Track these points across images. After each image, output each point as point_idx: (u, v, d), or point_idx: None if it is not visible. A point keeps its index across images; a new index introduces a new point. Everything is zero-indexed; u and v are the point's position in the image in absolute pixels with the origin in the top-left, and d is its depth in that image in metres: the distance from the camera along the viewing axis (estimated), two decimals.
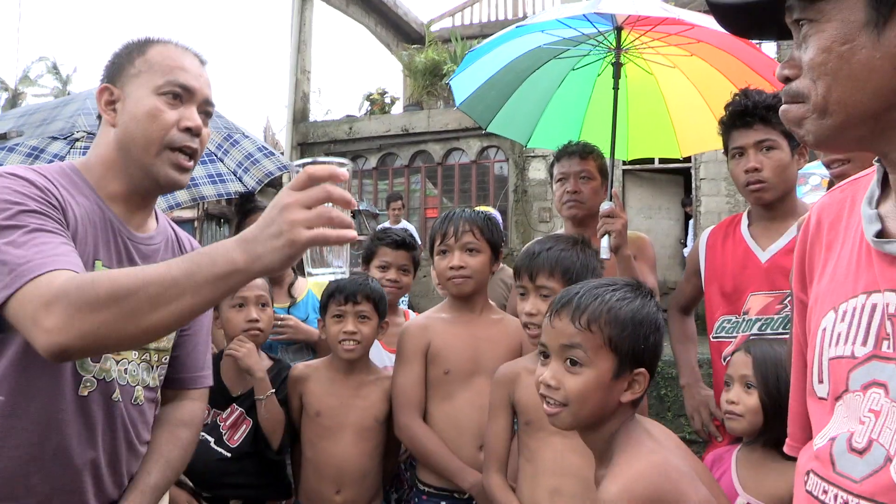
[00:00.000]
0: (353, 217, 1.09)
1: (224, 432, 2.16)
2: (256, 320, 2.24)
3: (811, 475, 0.88)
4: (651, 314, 1.35)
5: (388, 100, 11.55)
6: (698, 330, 2.53)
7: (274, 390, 2.19)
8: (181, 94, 1.40)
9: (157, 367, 1.51)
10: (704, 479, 1.31)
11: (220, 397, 2.19)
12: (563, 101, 3.04)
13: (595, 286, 1.38)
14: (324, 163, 1.04)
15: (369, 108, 11.44)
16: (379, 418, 2.19)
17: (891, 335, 0.80)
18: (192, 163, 1.42)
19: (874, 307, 0.82)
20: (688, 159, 9.86)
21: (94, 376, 1.35)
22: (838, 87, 0.81)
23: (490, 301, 2.27)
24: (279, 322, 2.58)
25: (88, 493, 1.34)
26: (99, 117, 1.45)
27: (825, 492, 0.84)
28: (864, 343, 0.83)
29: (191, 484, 2.03)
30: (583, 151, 2.67)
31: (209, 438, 2.14)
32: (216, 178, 3.57)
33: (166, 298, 1.03)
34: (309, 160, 1.06)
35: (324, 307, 2.24)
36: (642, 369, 1.32)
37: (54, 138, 3.27)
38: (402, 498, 2.47)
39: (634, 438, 1.30)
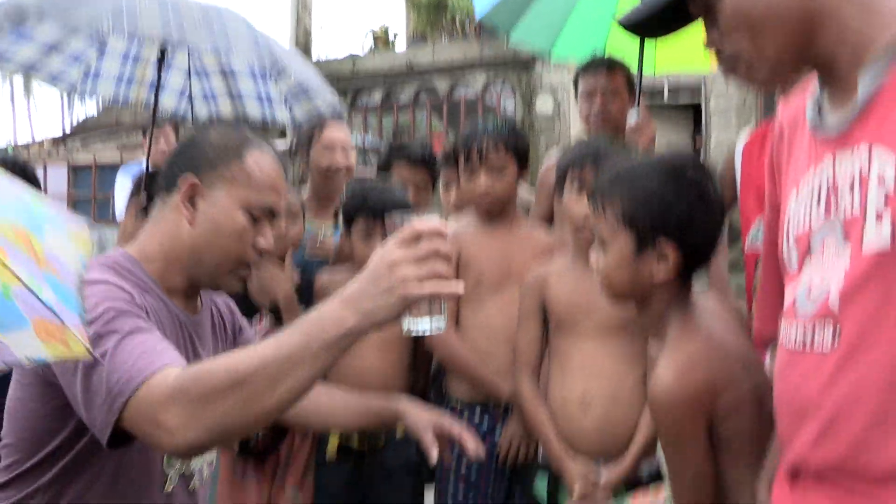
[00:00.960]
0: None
1: None
2: (280, 237, 2.17)
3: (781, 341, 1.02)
4: (682, 185, 1.26)
5: (391, 36, 11.35)
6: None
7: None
8: (266, 217, 1.34)
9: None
10: (755, 362, 1.29)
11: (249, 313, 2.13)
12: (590, 6, 2.93)
13: (618, 166, 1.35)
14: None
15: (373, 44, 11.24)
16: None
17: (834, 203, 0.94)
18: (250, 274, 1.39)
19: (820, 185, 0.97)
20: (697, 94, 9.73)
21: (176, 471, 1.34)
22: (752, 44, 0.96)
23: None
24: (320, 243, 2.50)
25: None
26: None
27: (789, 334, 0.99)
28: (819, 215, 0.97)
29: None
30: (609, 65, 2.60)
31: None
32: (264, 99, 3.12)
33: (284, 375, 1.02)
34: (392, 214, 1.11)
35: (349, 221, 2.18)
36: (670, 243, 1.24)
37: (76, 31, 2.69)
38: None
39: (685, 321, 1.26)
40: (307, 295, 2.23)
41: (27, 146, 16.71)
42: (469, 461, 2.02)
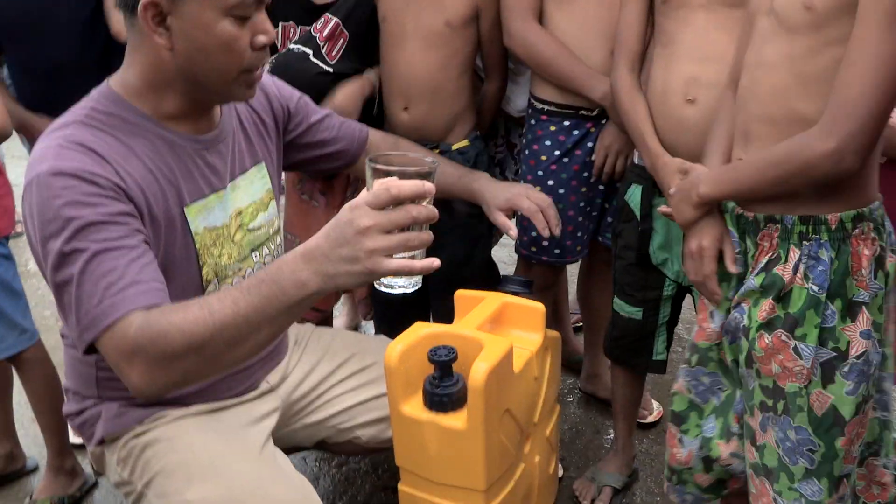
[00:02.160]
0: None
1: (322, 44, 1.86)
2: None
3: None
4: None
5: None
6: None
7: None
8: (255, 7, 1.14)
9: (280, 244, 1.47)
10: None
11: (301, 11, 1.86)
12: None
13: None
14: (411, 172, 0.96)
15: None
16: (452, 22, 1.82)
17: None
18: (262, 74, 1.24)
19: None
20: None
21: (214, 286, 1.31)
22: None
23: None
24: None
25: None
26: None
27: None
28: None
29: None
30: None
31: (307, 51, 1.86)
32: None
33: (242, 338, 1.00)
34: (388, 155, 1.01)
35: None
36: None
37: None
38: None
39: None
40: None
41: None
42: (556, 175, 1.86)
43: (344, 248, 0.94)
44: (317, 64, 1.85)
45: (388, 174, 0.97)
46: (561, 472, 1.97)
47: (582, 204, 1.90)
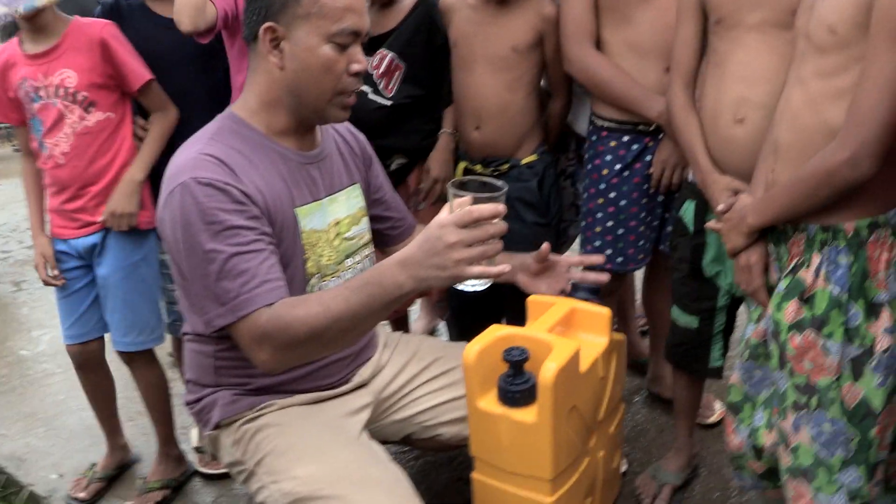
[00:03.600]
0: None
1: (378, 81, 2.06)
2: None
3: None
4: None
5: None
6: None
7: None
8: (352, 39, 1.37)
9: (370, 254, 1.64)
10: None
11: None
12: None
13: None
14: (485, 197, 1.17)
15: None
16: (518, 47, 1.98)
17: None
18: (354, 99, 1.45)
19: None
20: None
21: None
22: None
23: None
24: None
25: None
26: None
27: None
28: None
29: None
30: None
31: (365, 89, 2.05)
32: None
33: (352, 327, 1.25)
34: (467, 180, 1.22)
35: None
36: None
37: None
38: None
39: None
40: None
41: None
42: (617, 188, 1.97)
43: (435, 258, 1.15)
44: (375, 101, 2.05)
45: (461, 187, 1.20)
46: (625, 468, 2.07)
47: (643, 215, 2.00)
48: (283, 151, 1.43)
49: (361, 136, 1.69)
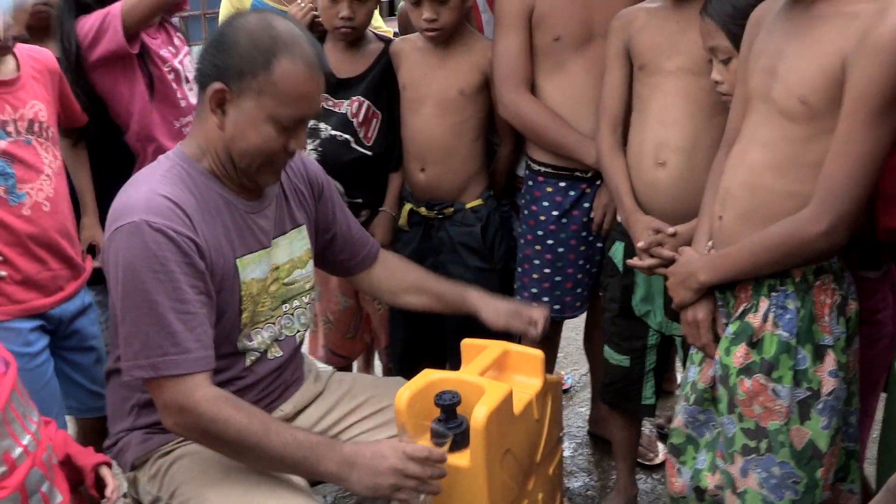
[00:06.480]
0: None
1: (359, 129, 2.07)
2: (350, 18, 2.01)
3: None
4: None
5: None
6: None
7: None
8: (296, 124, 1.39)
9: (310, 301, 1.65)
10: None
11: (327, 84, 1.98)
12: None
13: None
14: (437, 442, 1.35)
15: None
16: (465, 91, 2.02)
17: None
18: (285, 164, 1.48)
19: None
20: None
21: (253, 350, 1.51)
22: None
23: None
24: None
25: None
26: None
27: None
28: None
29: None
30: None
31: (348, 137, 2.06)
32: None
33: (269, 464, 1.33)
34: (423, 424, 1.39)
35: None
36: None
37: None
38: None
39: None
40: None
41: None
42: (553, 234, 1.99)
43: (380, 476, 1.26)
44: (357, 150, 2.08)
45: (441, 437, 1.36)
46: None
47: (581, 262, 2.03)
48: (229, 197, 1.43)
49: (314, 167, 1.67)
